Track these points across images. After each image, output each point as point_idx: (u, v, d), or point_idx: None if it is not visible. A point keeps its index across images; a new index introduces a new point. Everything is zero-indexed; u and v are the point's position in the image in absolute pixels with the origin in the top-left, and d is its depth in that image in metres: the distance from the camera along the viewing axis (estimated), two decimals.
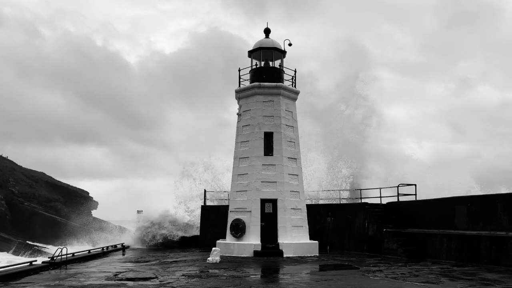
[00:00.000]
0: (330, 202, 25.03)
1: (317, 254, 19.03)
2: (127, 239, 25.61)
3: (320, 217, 22.68)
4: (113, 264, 16.12)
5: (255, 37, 24.68)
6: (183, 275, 12.95)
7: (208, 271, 13.75)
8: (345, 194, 26.32)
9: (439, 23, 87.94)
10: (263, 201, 19.15)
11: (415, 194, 20.74)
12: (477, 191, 25.46)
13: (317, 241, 19.75)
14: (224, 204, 23.58)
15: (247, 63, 21.44)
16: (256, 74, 20.67)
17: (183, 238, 24.73)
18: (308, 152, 29.18)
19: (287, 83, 20.88)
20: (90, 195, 41.84)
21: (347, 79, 33.09)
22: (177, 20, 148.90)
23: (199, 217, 24.65)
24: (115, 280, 11.97)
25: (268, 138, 19.73)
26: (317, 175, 28.45)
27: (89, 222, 36.94)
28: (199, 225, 24.44)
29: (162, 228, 24.80)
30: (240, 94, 20.72)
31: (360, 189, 23.23)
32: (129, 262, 17.07)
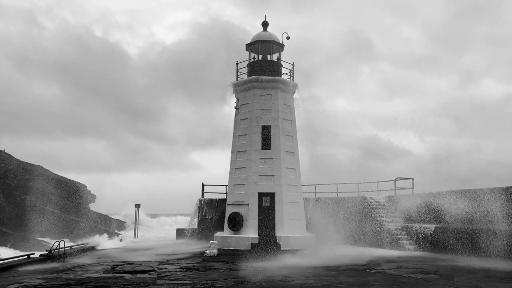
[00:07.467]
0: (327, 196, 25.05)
1: (315, 247, 19.08)
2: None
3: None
4: (111, 257, 16.15)
5: (259, 28, 24.59)
6: (180, 268, 13.00)
7: (206, 264, 13.80)
8: (342, 188, 26.30)
9: (447, 15, 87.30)
10: (261, 195, 19.17)
11: (412, 188, 20.78)
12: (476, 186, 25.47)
13: (314, 234, 19.82)
14: (221, 197, 23.63)
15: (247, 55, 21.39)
16: (254, 68, 20.61)
17: None
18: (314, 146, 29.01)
19: (285, 77, 20.85)
20: (88, 188, 41.84)
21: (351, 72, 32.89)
22: (178, 10, 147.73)
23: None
24: (112, 273, 12.01)
25: (266, 131, 19.71)
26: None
27: (87, 215, 36.97)
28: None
29: None
30: (238, 88, 20.68)
31: (358, 183, 23.23)
32: (127, 254, 17.09)
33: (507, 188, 15.43)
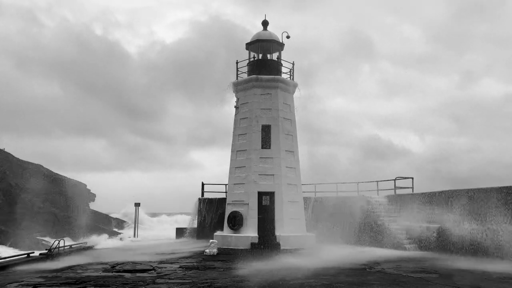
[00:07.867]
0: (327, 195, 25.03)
1: (314, 247, 19.09)
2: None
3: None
4: (111, 256, 16.13)
5: (259, 27, 24.34)
6: (180, 267, 12.99)
7: (205, 263, 13.79)
8: (341, 187, 26.29)
9: (448, 14, 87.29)
10: (261, 194, 19.18)
11: (412, 188, 20.75)
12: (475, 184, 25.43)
13: (314, 234, 19.83)
14: (221, 197, 23.63)
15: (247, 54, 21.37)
16: (254, 67, 20.61)
17: None
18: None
19: (285, 76, 20.84)
20: (87, 187, 41.86)
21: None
22: (178, 9, 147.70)
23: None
24: (112, 272, 12.00)
25: (266, 131, 19.71)
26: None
27: (86, 214, 36.99)
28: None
29: None
30: (238, 87, 20.68)
31: (358, 183, 23.20)
32: (127, 253, 17.08)
33: None
